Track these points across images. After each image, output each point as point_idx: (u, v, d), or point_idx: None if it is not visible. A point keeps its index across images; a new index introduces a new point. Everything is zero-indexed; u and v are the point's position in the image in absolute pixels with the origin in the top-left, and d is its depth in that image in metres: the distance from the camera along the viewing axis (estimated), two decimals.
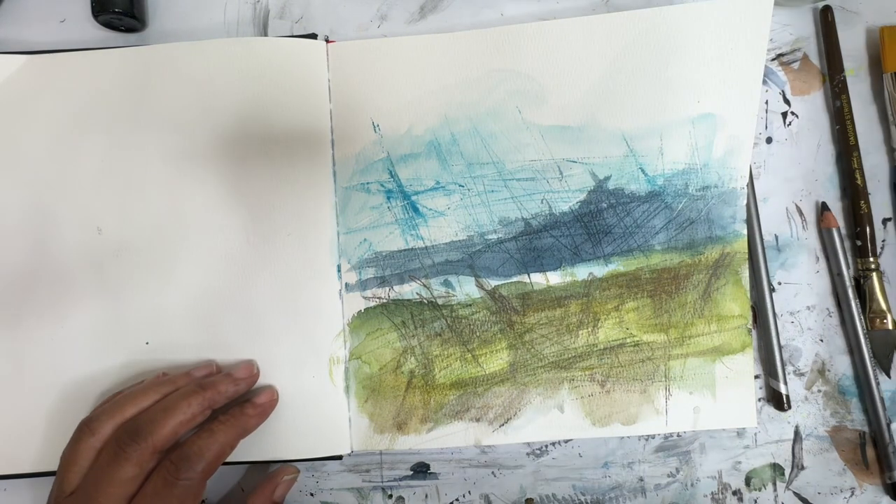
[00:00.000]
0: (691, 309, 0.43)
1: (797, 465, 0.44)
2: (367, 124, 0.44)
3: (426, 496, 0.44)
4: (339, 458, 0.44)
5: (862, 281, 0.44)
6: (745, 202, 0.43)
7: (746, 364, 0.43)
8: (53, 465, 0.43)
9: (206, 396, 0.38)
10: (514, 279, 0.44)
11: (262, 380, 0.43)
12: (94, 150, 0.44)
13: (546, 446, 0.44)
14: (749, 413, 0.43)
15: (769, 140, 0.46)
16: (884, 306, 0.44)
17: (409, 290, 0.44)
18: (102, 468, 0.36)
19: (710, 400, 0.43)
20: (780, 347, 0.44)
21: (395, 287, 0.44)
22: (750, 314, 0.44)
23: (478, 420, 0.43)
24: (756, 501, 0.44)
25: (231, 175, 0.44)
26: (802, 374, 0.45)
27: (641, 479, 0.44)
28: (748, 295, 0.44)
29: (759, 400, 0.44)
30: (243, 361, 0.42)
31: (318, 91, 0.44)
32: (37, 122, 0.44)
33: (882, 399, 0.43)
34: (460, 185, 0.44)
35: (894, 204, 0.45)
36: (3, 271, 0.43)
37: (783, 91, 0.46)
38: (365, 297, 0.44)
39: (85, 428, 0.37)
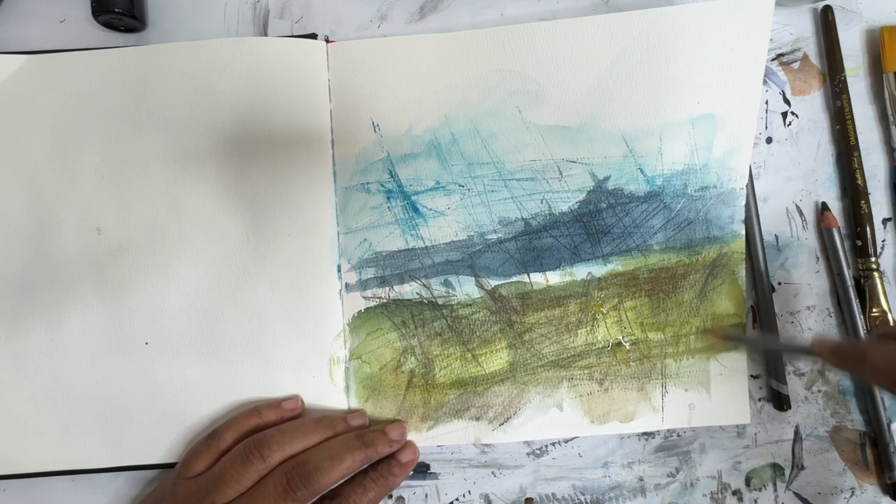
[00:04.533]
0: (688, 308, 0.43)
1: (797, 465, 0.44)
2: (367, 124, 0.44)
3: (426, 496, 0.44)
4: None
5: (862, 281, 0.44)
6: (743, 202, 0.43)
7: (740, 362, 0.43)
8: (53, 466, 0.43)
9: (367, 454, 0.40)
10: (514, 279, 0.44)
11: (263, 380, 0.43)
12: (93, 149, 0.44)
13: (546, 446, 0.44)
14: (743, 410, 0.43)
15: (769, 140, 0.46)
16: (884, 306, 0.44)
17: (409, 290, 0.44)
18: (268, 500, 0.37)
19: (705, 397, 0.43)
20: None
21: (395, 287, 0.44)
22: (745, 313, 0.44)
23: (478, 419, 0.43)
24: (756, 501, 0.44)
25: (231, 175, 0.44)
26: (802, 374, 0.45)
27: (641, 479, 0.44)
28: (744, 294, 0.44)
29: (760, 400, 0.44)
30: (396, 422, 0.43)
31: (318, 91, 0.44)
32: (37, 122, 0.44)
33: (882, 399, 0.43)
34: (460, 185, 0.44)
35: (894, 204, 0.45)
36: (3, 271, 0.43)
37: (783, 91, 0.46)
38: (365, 297, 0.44)
39: (256, 452, 0.39)
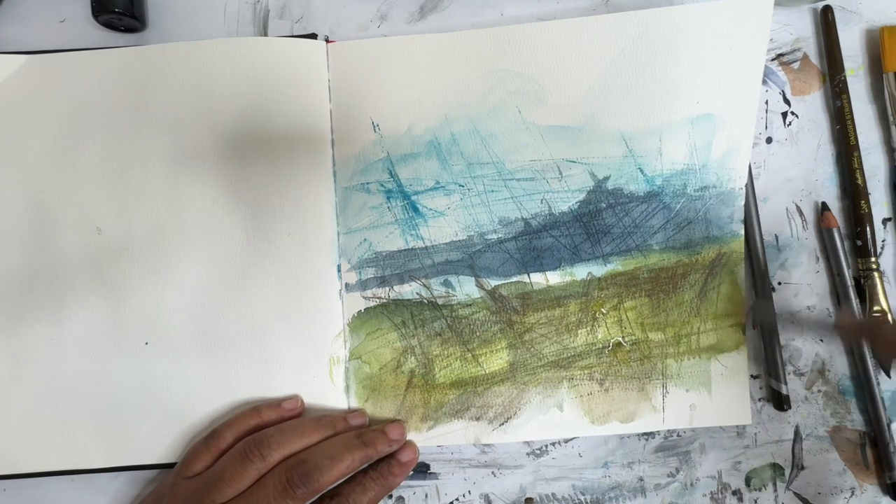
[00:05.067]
0: (688, 308, 0.43)
1: (797, 465, 0.44)
2: (367, 124, 0.44)
3: (426, 496, 0.44)
4: None
5: (862, 281, 0.44)
6: (742, 202, 0.43)
7: (740, 362, 0.43)
8: (53, 466, 0.43)
9: (367, 453, 0.40)
10: (514, 279, 0.44)
11: (263, 380, 0.43)
12: (93, 149, 0.44)
13: (546, 446, 0.44)
14: (744, 410, 0.43)
15: (769, 140, 0.46)
16: (884, 306, 0.44)
17: (409, 290, 0.44)
18: (267, 499, 0.37)
19: (706, 397, 0.43)
20: (780, 347, 0.44)
21: (395, 287, 0.44)
22: (745, 312, 0.44)
23: (478, 419, 0.43)
24: (756, 501, 0.44)
25: (231, 175, 0.44)
26: (802, 374, 0.45)
27: (641, 479, 0.44)
28: (743, 294, 0.44)
29: (760, 400, 0.44)
30: (395, 421, 0.43)
31: (318, 91, 0.44)
32: (37, 122, 0.44)
33: (882, 399, 0.43)
34: (460, 185, 0.44)
35: (894, 204, 0.45)
36: (3, 271, 0.44)
37: (783, 91, 0.46)
38: (365, 297, 0.44)
39: (256, 451, 0.39)
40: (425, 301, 0.44)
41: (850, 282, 0.44)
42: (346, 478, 0.40)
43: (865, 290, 0.44)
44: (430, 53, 0.44)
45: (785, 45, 0.46)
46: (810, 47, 0.46)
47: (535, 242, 0.44)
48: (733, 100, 0.43)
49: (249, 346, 0.43)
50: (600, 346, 0.43)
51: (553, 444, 0.44)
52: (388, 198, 0.44)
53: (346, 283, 0.44)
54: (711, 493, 0.44)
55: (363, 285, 0.44)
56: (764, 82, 0.46)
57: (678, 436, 0.44)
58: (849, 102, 0.45)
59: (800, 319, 0.43)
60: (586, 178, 0.44)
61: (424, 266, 0.44)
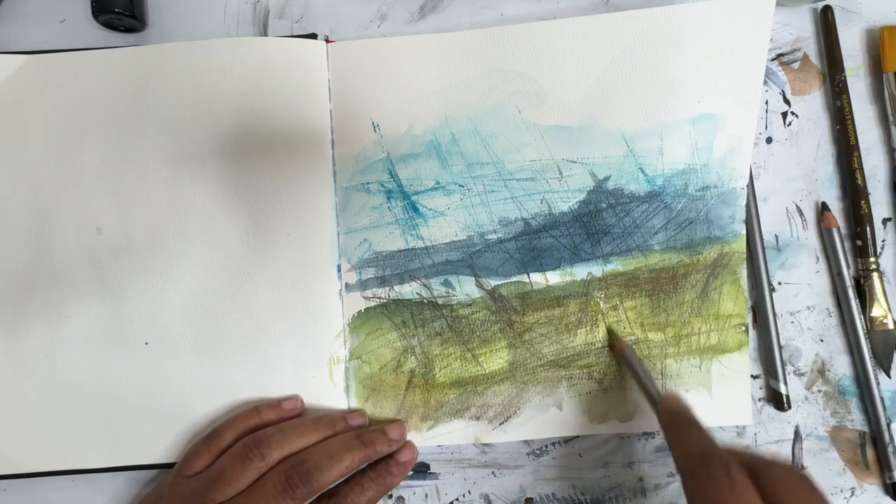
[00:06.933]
0: (689, 308, 0.43)
1: (797, 465, 0.44)
2: (367, 124, 0.44)
3: (426, 496, 0.44)
4: None
5: (862, 281, 0.44)
6: (744, 202, 0.43)
7: (742, 363, 0.43)
8: (53, 466, 0.43)
9: (367, 453, 0.40)
10: (514, 279, 0.44)
11: (263, 380, 0.43)
12: (93, 150, 0.44)
13: (546, 446, 0.44)
14: (745, 411, 0.43)
15: (769, 140, 0.46)
16: (884, 306, 0.44)
17: (409, 289, 0.44)
18: (266, 498, 0.37)
19: (707, 398, 0.43)
20: (780, 347, 0.44)
21: (395, 287, 0.44)
22: (747, 313, 0.44)
23: (478, 418, 0.43)
24: None
25: (231, 175, 0.44)
26: (802, 374, 0.45)
27: (641, 479, 0.44)
28: (745, 294, 0.44)
29: (759, 400, 0.44)
30: (395, 421, 0.43)
31: (318, 91, 0.44)
32: (37, 122, 0.44)
33: (882, 399, 0.43)
34: (460, 185, 0.44)
35: (894, 204, 0.45)
36: (3, 271, 0.44)
37: (783, 91, 0.46)
38: (365, 297, 0.44)
39: (255, 450, 0.39)
40: (425, 301, 0.44)
41: (849, 282, 0.44)
42: (345, 478, 0.40)
43: (865, 291, 0.44)
44: (430, 53, 0.44)
45: (785, 45, 0.46)
46: (810, 47, 0.46)
47: (535, 242, 0.44)
48: (734, 99, 0.43)
49: (249, 346, 0.43)
50: (600, 345, 0.44)
51: (553, 443, 0.44)
52: (388, 198, 0.44)
53: (346, 283, 0.44)
54: None
55: (363, 285, 0.44)
56: (764, 82, 0.46)
57: None
58: (849, 102, 0.45)
59: (646, 383, 0.41)
60: (586, 178, 0.44)
61: (424, 266, 0.44)
